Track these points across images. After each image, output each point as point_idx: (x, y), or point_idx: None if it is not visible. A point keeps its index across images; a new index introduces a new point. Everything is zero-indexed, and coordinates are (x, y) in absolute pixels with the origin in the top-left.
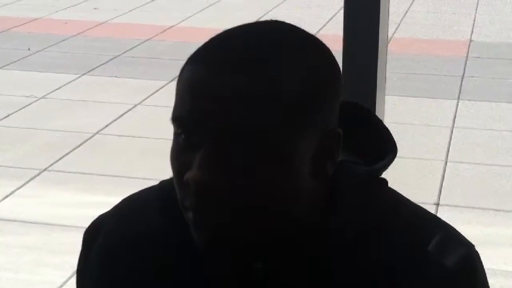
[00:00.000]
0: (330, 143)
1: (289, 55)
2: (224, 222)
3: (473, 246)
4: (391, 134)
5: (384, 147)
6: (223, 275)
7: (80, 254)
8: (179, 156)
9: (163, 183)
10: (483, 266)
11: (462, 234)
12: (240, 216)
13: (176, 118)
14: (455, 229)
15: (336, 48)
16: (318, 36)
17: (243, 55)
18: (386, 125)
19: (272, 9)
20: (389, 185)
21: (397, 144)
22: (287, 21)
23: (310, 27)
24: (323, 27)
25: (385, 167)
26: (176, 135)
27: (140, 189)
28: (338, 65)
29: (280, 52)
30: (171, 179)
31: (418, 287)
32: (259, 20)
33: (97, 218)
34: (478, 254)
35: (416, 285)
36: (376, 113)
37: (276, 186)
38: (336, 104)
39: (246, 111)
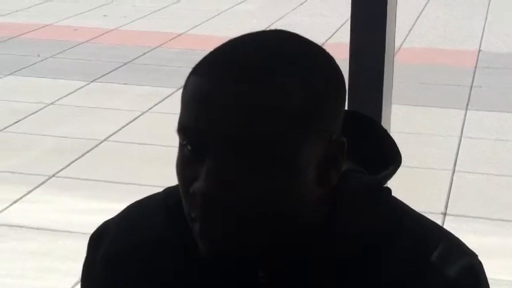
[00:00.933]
0: (335, 151)
1: (293, 64)
2: (230, 232)
3: (476, 256)
4: (395, 144)
5: (388, 157)
6: (228, 284)
7: (85, 259)
8: (185, 167)
9: (168, 190)
10: (486, 276)
11: (467, 244)
12: (246, 226)
13: (182, 129)
14: (458, 239)
15: (345, 57)
16: (327, 45)
17: (247, 64)
18: (394, 135)
19: (281, 17)
20: (397, 194)
21: (404, 154)
22: (296, 30)
23: (318, 36)
24: (332, 35)
25: (390, 176)
26: (181, 145)
27: (145, 196)
28: (341, 73)
29: (284, 61)
30: (176, 186)
31: None
32: (264, 30)
33: (102, 224)
34: (481, 264)
35: None
36: (383, 123)
37: (283, 195)
38: (340, 113)
39: (250, 120)
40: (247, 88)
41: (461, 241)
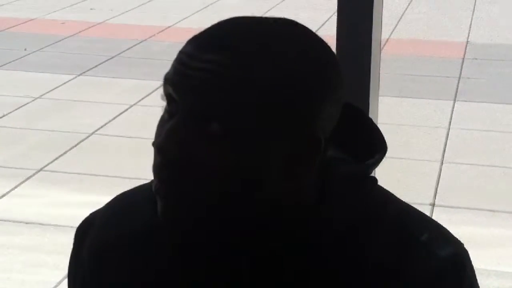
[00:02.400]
0: (306, 148)
1: (275, 52)
2: (180, 191)
3: (461, 244)
4: (381, 133)
5: (374, 145)
6: (213, 269)
7: (72, 250)
8: (159, 126)
9: None
10: (471, 264)
11: (456, 234)
12: (194, 190)
13: (163, 82)
14: (444, 228)
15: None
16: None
17: (229, 43)
18: (382, 126)
19: (269, 10)
20: (385, 185)
21: (392, 145)
22: None
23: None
24: (319, 28)
25: (375, 164)
26: (164, 110)
27: (131, 188)
28: (333, 71)
29: (268, 46)
30: None
31: (406, 284)
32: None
33: (88, 216)
34: (467, 252)
35: (404, 281)
36: (370, 114)
37: (231, 168)
38: (323, 109)
39: (222, 93)
40: (225, 65)
41: (446, 229)
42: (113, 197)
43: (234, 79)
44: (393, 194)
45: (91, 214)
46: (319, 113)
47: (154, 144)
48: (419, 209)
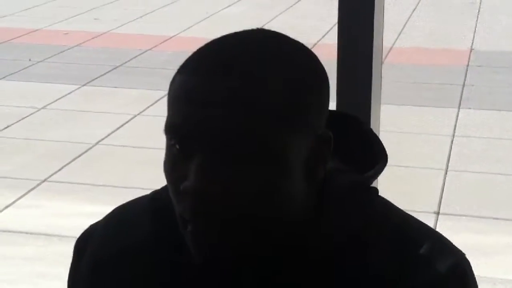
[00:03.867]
0: (321, 146)
1: (277, 61)
2: (222, 230)
3: (463, 254)
4: (381, 142)
5: (374, 155)
6: (213, 284)
7: (71, 263)
8: (173, 166)
9: (154, 194)
10: (473, 275)
11: (461, 243)
12: (238, 224)
13: (169, 128)
14: (445, 238)
15: (334, 57)
16: (316, 46)
17: (232, 62)
18: (386, 135)
19: (271, 20)
20: (390, 194)
21: (397, 153)
22: (285, 32)
23: (309, 38)
24: (322, 37)
25: (376, 174)
26: (169, 145)
27: (131, 199)
28: (324, 69)
29: (268, 59)
30: (162, 189)
31: None
32: (245, 29)
33: (88, 228)
34: (469, 263)
35: None
36: (372, 123)
37: (271, 190)
38: (325, 109)
39: (236, 118)
40: (232, 86)
41: (448, 240)
42: (116, 206)
43: (251, 103)
44: (393, 205)
45: (90, 227)
46: (325, 112)
47: (184, 187)
48: (424, 218)
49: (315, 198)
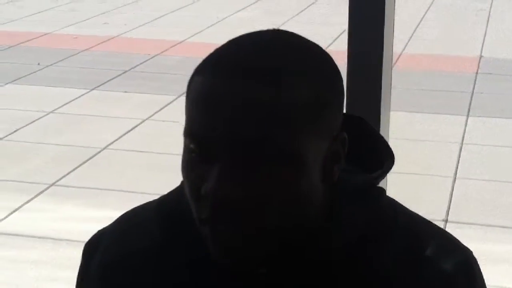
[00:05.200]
0: (337, 147)
1: (298, 63)
2: (241, 234)
3: (470, 251)
4: (387, 143)
5: (381, 156)
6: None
7: (79, 268)
8: (192, 169)
9: (162, 199)
10: (481, 271)
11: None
12: (260, 227)
13: (190, 133)
14: (452, 236)
15: (345, 63)
16: (327, 51)
17: (253, 65)
18: (395, 142)
19: (282, 24)
20: (398, 200)
21: (405, 160)
22: None
23: (319, 43)
24: (331, 43)
25: (383, 175)
26: (188, 149)
27: (139, 205)
28: (340, 72)
29: (289, 60)
30: (170, 194)
31: None
32: (261, 30)
33: (96, 233)
34: (476, 260)
35: None
36: (381, 129)
37: (294, 194)
38: (341, 110)
39: (259, 121)
40: (254, 90)
41: (455, 237)
42: (124, 212)
43: (273, 107)
44: (400, 203)
45: (98, 232)
46: (341, 113)
47: (205, 190)
48: None
49: (329, 197)
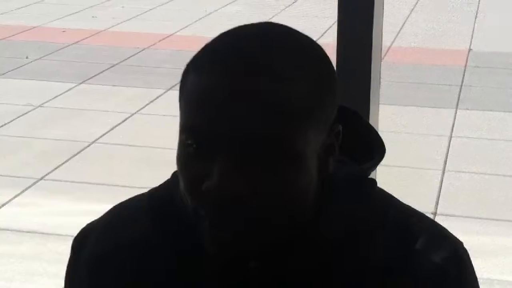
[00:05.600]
0: (332, 140)
1: (295, 57)
2: (245, 229)
3: (461, 242)
4: (378, 135)
5: (372, 148)
6: (213, 281)
7: (69, 262)
8: (190, 165)
9: (152, 191)
10: (471, 262)
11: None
12: (260, 222)
13: (187, 129)
14: (443, 227)
15: (333, 57)
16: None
17: (251, 59)
18: (384, 134)
19: (270, 18)
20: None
21: (394, 153)
22: None
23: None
24: (320, 36)
25: (374, 166)
26: (184, 144)
27: (128, 198)
28: (332, 64)
29: (286, 55)
30: (160, 187)
31: (407, 285)
32: (254, 23)
33: (85, 227)
34: (466, 251)
35: (405, 283)
36: (371, 122)
37: (295, 188)
38: (335, 102)
39: (259, 117)
40: (247, 84)
41: (446, 229)
42: (114, 206)
43: (273, 103)
44: (391, 195)
45: (87, 225)
46: (336, 105)
47: (206, 186)
48: None
49: (320, 191)
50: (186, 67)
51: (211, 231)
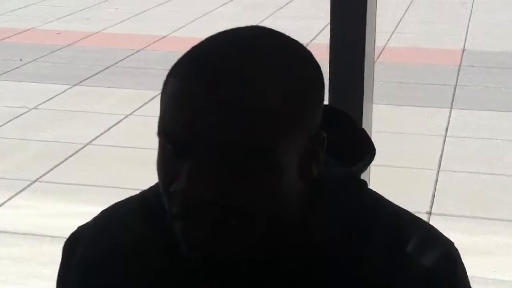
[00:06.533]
0: (315, 146)
1: (269, 64)
2: (210, 232)
3: (452, 243)
4: (368, 136)
5: (362, 149)
6: (208, 281)
7: (60, 264)
8: (165, 166)
9: (144, 193)
10: (463, 263)
11: (442, 233)
12: (229, 225)
13: (162, 132)
14: (434, 228)
15: (327, 57)
16: (309, 46)
17: (222, 66)
18: (379, 135)
19: (264, 19)
20: (381, 193)
21: (389, 153)
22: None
23: (300, 38)
24: (314, 38)
25: (365, 167)
26: (162, 146)
27: (120, 200)
28: (319, 68)
29: (260, 61)
30: (152, 188)
31: (399, 287)
32: (240, 27)
33: (77, 229)
34: (458, 252)
35: (396, 284)
36: (364, 122)
37: (266, 193)
38: (320, 108)
39: (227, 123)
40: (223, 91)
41: (436, 230)
42: (105, 208)
43: (247, 106)
44: (382, 196)
45: (79, 228)
46: (318, 112)
47: (175, 187)
48: None
49: (308, 191)
50: (170, 70)
51: (182, 232)
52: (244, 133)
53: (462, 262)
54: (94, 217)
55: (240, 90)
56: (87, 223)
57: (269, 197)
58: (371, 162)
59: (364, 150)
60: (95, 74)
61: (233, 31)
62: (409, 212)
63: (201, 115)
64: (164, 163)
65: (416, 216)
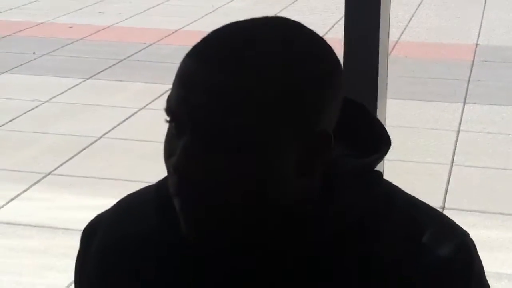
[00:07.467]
0: (318, 144)
1: (276, 55)
2: (207, 207)
3: (468, 234)
4: (384, 127)
5: (378, 140)
6: (217, 273)
7: (78, 253)
8: (168, 142)
9: (160, 183)
10: (478, 254)
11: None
12: (221, 203)
13: (167, 106)
14: (449, 219)
15: (340, 51)
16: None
17: (230, 53)
18: (392, 129)
19: (278, 13)
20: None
21: (402, 148)
22: None
23: (316, 31)
24: (328, 31)
25: (380, 158)
26: (169, 123)
27: (137, 189)
28: (335, 66)
29: (267, 52)
30: (166, 178)
31: (414, 277)
32: (262, 17)
33: (94, 218)
34: (473, 242)
35: (412, 275)
36: (378, 117)
37: (254, 180)
38: (330, 107)
39: (225, 108)
40: (221, 75)
41: (452, 220)
42: (122, 198)
43: (244, 94)
44: (397, 187)
45: (96, 217)
46: (326, 109)
47: (169, 163)
48: None
49: (318, 184)
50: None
51: (179, 209)
52: (236, 120)
53: (477, 253)
54: (111, 207)
55: (238, 77)
56: (104, 213)
57: (256, 184)
58: (387, 153)
59: (380, 142)
60: (107, 68)
61: (250, 20)
62: (425, 202)
63: (194, 93)
64: (168, 139)
65: (431, 207)
